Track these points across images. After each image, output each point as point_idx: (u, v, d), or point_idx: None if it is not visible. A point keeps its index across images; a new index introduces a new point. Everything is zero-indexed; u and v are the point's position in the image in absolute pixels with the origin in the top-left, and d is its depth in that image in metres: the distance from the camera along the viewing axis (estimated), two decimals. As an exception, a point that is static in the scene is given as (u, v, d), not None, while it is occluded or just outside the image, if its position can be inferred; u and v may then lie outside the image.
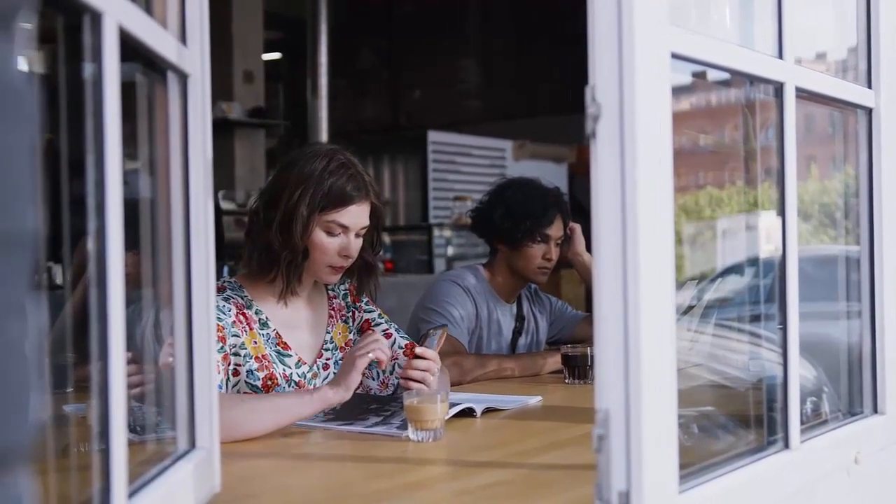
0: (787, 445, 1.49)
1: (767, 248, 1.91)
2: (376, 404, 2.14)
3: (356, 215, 2.18)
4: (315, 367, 2.25)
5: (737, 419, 1.66)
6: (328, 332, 2.31)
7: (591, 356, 2.64)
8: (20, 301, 0.56)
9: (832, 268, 2.01)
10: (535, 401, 2.33)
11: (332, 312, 2.34)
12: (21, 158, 0.55)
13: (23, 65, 0.59)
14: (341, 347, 2.32)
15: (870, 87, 1.79)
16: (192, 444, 1.35)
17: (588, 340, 2.94)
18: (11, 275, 0.55)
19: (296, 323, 2.25)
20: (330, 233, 2.16)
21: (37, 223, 0.58)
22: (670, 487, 1.20)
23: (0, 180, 0.53)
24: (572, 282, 6.45)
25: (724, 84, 1.72)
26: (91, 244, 0.98)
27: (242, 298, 2.19)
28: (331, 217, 2.15)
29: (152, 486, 1.16)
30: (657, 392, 1.16)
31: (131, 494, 1.06)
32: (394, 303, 6.03)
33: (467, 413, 2.09)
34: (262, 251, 2.17)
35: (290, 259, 2.15)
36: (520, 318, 3.12)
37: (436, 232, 7.33)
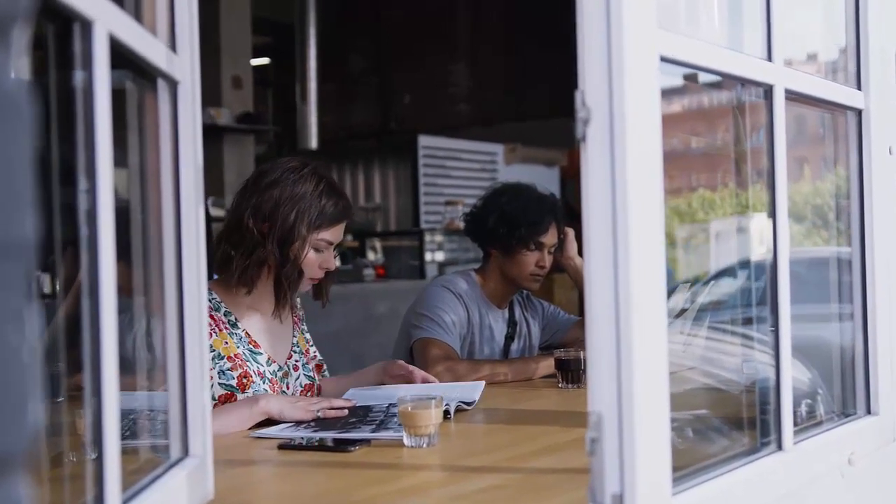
0: (780, 447, 1.49)
1: (760, 251, 1.91)
2: (355, 417, 2.09)
3: (342, 232, 2.32)
4: (286, 367, 2.35)
5: (730, 421, 1.66)
6: (294, 337, 2.42)
7: (585, 360, 2.64)
8: (20, 308, 0.56)
9: (825, 270, 2.01)
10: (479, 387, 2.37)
11: (296, 320, 2.46)
12: (21, 166, 0.56)
13: (20, 73, 0.59)
14: (304, 352, 2.43)
15: (859, 88, 1.79)
16: (186, 452, 1.34)
17: (580, 344, 2.94)
18: (12, 282, 0.56)
19: (264, 326, 2.33)
20: (317, 249, 2.27)
21: (35, 231, 0.59)
22: (664, 490, 1.20)
23: (2, 188, 0.54)
24: (564, 286, 6.45)
25: (716, 86, 1.72)
26: (83, 252, 0.97)
27: (210, 301, 2.23)
28: (322, 236, 2.26)
29: (145, 493, 1.16)
30: (650, 394, 1.16)
31: (124, 502, 1.05)
32: (385, 309, 6.01)
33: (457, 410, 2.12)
34: (255, 266, 2.23)
35: (291, 276, 2.24)
36: (512, 323, 3.11)
37: (427, 237, 7.31)
